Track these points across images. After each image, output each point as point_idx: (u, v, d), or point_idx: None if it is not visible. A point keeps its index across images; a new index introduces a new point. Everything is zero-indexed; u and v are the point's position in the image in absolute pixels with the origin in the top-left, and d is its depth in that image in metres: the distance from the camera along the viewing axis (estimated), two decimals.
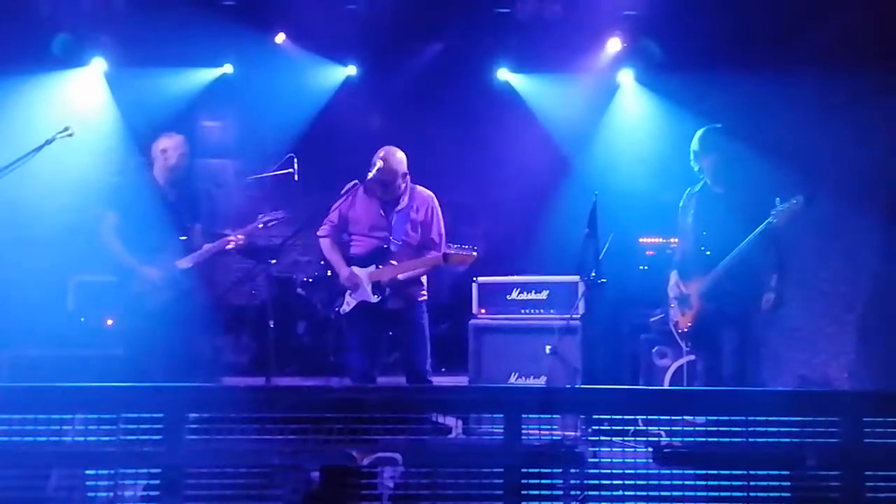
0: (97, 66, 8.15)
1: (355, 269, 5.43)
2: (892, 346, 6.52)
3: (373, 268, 5.38)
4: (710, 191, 5.55)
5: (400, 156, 5.48)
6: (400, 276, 5.34)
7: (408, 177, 5.55)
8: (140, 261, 5.82)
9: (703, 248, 5.47)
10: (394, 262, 5.37)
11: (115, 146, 7.90)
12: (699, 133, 5.55)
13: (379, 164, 5.38)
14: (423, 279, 5.58)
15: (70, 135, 5.65)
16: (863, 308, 6.75)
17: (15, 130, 5.57)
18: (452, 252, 5.29)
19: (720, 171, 5.49)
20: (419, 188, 5.62)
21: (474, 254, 5.34)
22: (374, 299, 5.36)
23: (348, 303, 5.45)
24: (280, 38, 8.54)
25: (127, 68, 8.12)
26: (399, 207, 5.51)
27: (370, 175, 5.38)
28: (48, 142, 5.53)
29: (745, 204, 5.40)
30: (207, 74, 8.62)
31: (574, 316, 6.28)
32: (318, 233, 5.64)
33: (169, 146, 6.09)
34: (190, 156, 6.23)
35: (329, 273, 5.60)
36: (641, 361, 6.85)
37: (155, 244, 5.86)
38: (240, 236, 5.96)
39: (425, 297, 5.56)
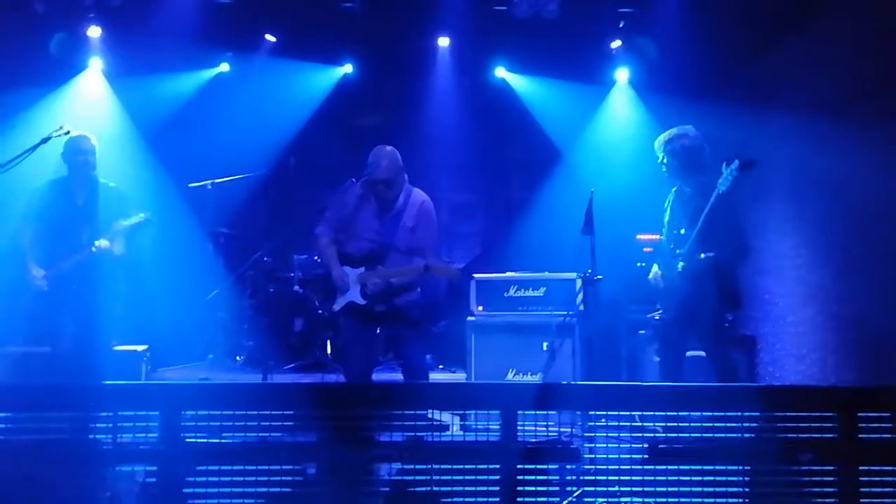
0: (95, 66, 8.14)
1: (346, 269, 5.44)
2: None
3: (362, 270, 5.39)
4: (682, 190, 5.63)
5: (392, 150, 5.50)
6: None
7: (405, 175, 5.55)
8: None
9: (672, 247, 5.53)
10: (380, 268, 5.38)
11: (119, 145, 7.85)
12: (659, 138, 5.62)
13: (375, 165, 5.40)
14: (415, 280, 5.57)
15: (67, 133, 5.66)
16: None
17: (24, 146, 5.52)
18: (433, 265, 5.32)
19: (683, 172, 5.56)
20: (416, 191, 5.59)
21: (456, 269, 5.39)
22: (362, 302, 5.38)
23: (339, 301, 5.46)
24: (271, 38, 8.55)
25: (124, 68, 8.11)
26: (394, 211, 5.50)
27: (369, 177, 5.38)
28: (44, 140, 5.53)
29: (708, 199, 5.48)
30: (204, 74, 8.63)
31: (571, 313, 6.29)
32: (316, 230, 5.65)
33: (95, 143, 5.97)
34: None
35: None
36: (638, 358, 6.86)
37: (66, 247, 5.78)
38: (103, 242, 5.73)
39: (417, 298, 5.56)
